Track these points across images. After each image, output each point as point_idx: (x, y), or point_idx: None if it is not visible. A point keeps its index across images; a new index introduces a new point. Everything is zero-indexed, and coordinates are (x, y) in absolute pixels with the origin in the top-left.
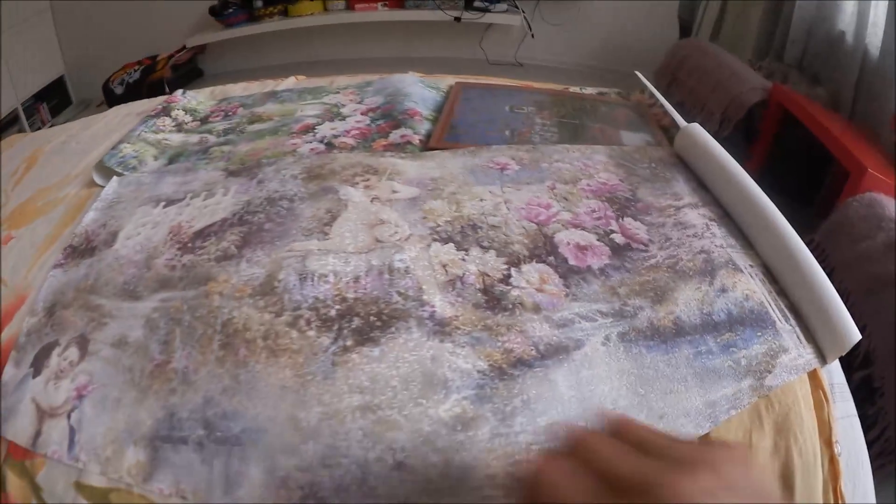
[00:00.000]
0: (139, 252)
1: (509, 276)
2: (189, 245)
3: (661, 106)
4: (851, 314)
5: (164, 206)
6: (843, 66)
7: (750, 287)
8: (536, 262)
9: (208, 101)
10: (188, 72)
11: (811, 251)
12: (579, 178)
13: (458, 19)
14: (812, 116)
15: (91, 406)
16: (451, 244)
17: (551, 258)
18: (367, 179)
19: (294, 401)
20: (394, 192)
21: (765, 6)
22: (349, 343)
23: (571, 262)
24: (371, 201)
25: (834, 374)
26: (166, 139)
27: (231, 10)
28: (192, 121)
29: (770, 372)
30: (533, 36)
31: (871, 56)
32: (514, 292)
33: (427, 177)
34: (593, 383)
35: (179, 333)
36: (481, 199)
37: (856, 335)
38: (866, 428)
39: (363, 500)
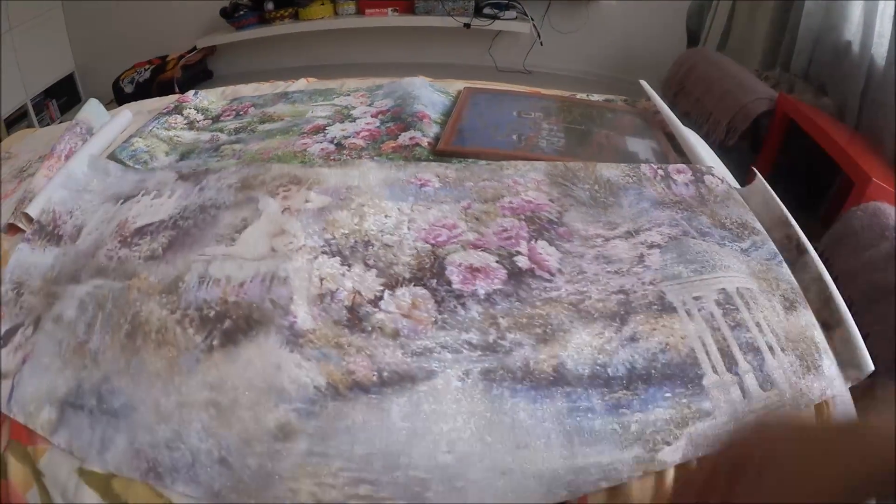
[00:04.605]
0: (92, 245)
1: (381, 297)
2: (128, 240)
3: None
4: (854, 322)
5: (122, 203)
6: (849, 75)
7: (677, 333)
8: (415, 285)
9: (220, 101)
10: (198, 73)
11: None
12: (502, 196)
13: (467, 26)
14: (817, 126)
15: (28, 370)
16: (338, 258)
17: (433, 281)
18: (288, 189)
19: (160, 388)
20: (307, 201)
21: (772, 16)
22: (216, 343)
23: (456, 285)
24: (282, 212)
25: (835, 385)
26: (178, 136)
27: (242, 13)
28: (204, 119)
29: (670, 444)
30: (542, 44)
31: (876, 66)
32: (379, 315)
33: (344, 185)
34: (432, 419)
35: (101, 318)
36: (386, 216)
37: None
38: None
39: (186, 485)
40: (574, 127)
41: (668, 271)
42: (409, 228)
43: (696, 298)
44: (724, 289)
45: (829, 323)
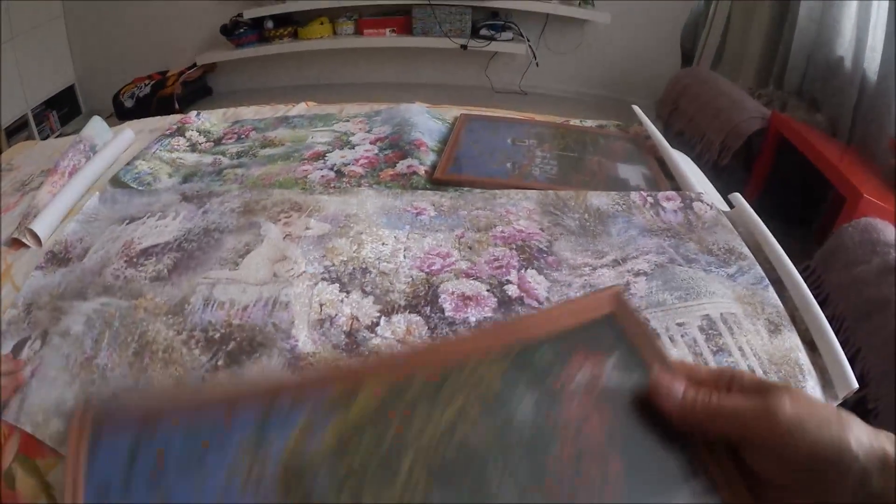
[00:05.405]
0: (98, 263)
1: (378, 323)
2: (134, 260)
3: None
4: (845, 338)
5: (127, 224)
6: (841, 90)
7: None
8: (410, 312)
9: (221, 123)
10: (197, 89)
11: (807, 277)
12: (494, 225)
13: (464, 47)
14: (809, 143)
15: (36, 382)
16: (337, 285)
17: (427, 308)
18: (290, 216)
19: None
20: (307, 228)
21: (765, 33)
22: (220, 363)
23: (448, 312)
24: (284, 238)
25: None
26: (181, 158)
27: (242, 30)
28: (206, 142)
29: None
30: (538, 64)
31: (869, 80)
32: (375, 340)
33: (343, 213)
34: None
35: (108, 335)
36: (383, 243)
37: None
38: None
39: None
40: (567, 154)
41: (653, 299)
42: (405, 256)
43: (679, 325)
44: (707, 315)
45: (813, 341)
